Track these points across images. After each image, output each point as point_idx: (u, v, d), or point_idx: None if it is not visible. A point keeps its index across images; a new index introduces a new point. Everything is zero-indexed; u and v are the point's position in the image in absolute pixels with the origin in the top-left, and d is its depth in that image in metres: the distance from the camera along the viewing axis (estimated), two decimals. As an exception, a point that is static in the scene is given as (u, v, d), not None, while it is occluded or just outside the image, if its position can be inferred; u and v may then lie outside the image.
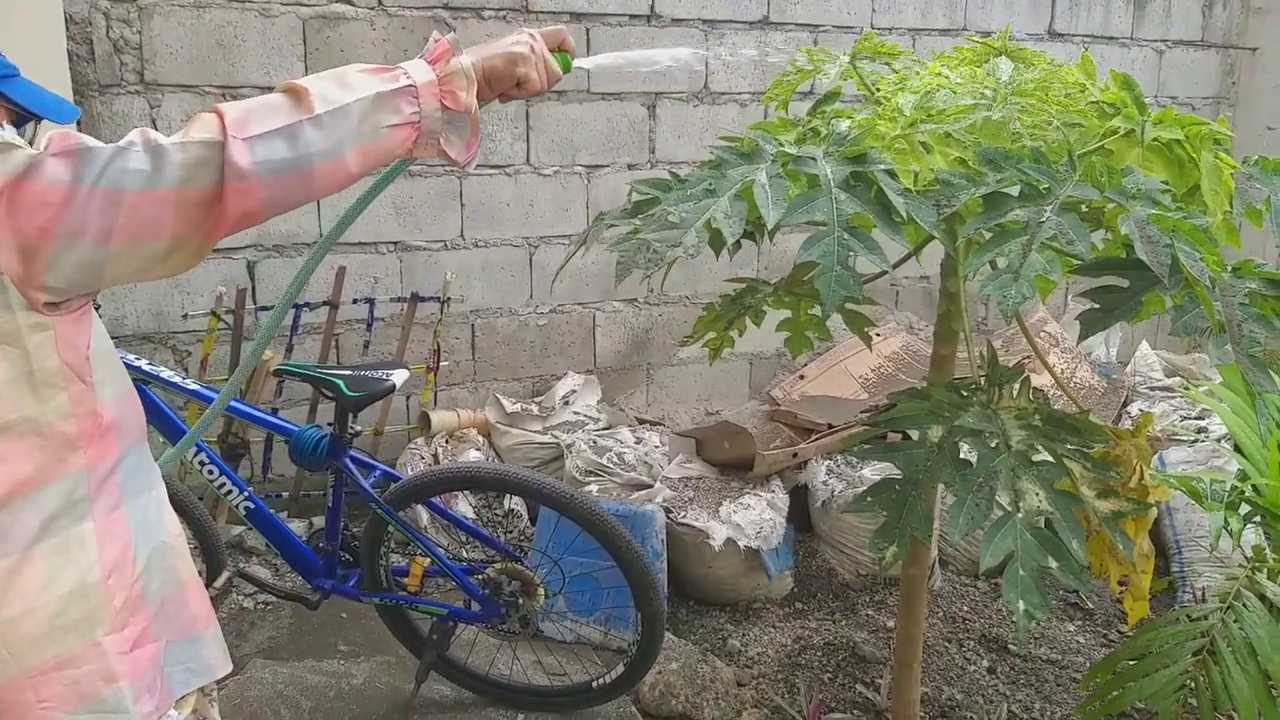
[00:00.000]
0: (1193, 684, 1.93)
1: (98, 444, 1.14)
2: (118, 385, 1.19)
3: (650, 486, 3.20)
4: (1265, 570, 2.07)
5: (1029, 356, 3.35)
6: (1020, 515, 1.42)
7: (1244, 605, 1.96)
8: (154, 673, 1.18)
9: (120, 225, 1.01)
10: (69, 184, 0.99)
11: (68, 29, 2.93)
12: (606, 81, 3.62)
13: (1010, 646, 2.89)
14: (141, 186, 1.02)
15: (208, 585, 2.49)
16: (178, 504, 2.51)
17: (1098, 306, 1.45)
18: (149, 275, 1.10)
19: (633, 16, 3.60)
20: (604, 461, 3.29)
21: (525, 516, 3.26)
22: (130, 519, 1.18)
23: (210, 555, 2.59)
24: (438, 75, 1.21)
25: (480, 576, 2.45)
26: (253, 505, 2.45)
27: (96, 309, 2.37)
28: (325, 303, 3.29)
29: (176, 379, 2.39)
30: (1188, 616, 2.05)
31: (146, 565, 1.19)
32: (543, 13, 3.48)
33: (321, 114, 1.10)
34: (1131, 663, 2.05)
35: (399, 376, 2.38)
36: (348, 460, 2.37)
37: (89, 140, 1.03)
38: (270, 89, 1.14)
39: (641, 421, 3.81)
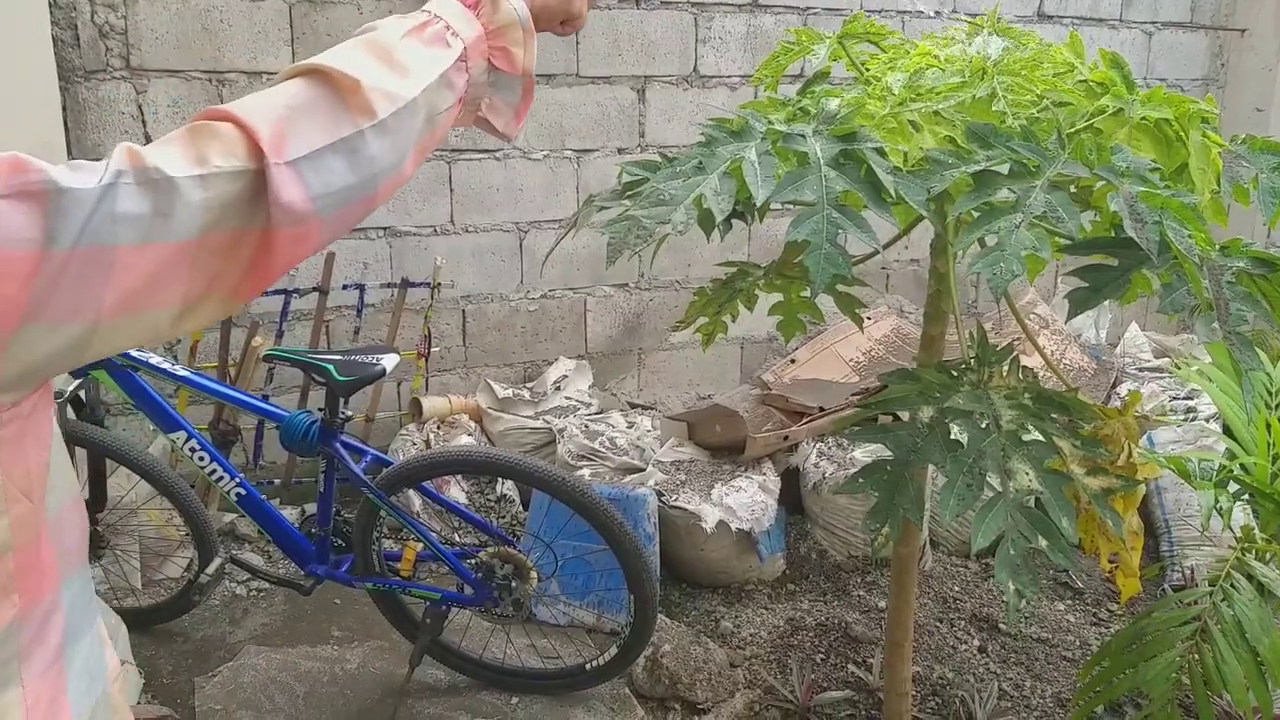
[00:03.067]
0: (1186, 666, 1.95)
1: (35, 579, 0.78)
2: (60, 492, 0.82)
3: (642, 470, 3.20)
4: (1254, 551, 2.08)
5: (1019, 338, 3.36)
6: (1011, 495, 1.43)
7: (1233, 587, 1.97)
8: None
9: (111, 297, 0.70)
10: (39, 246, 0.66)
11: (52, 14, 2.90)
12: (596, 65, 3.60)
13: (1000, 626, 2.91)
14: (141, 241, 0.70)
15: (199, 573, 2.51)
16: (169, 491, 2.54)
17: (1086, 285, 1.46)
18: (148, 345, 0.88)
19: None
20: (596, 446, 3.30)
21: (518, 501, 3.26)
22: (69, 673, 0.85)
23: (202, 543, 2.59)
24: (485, 28, 0.92)
25: (473, 561, 2.45)
26: (244, 492, 2.45)
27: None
28: (315, 289, 3.28)
29: (166, 365, 2.39)
30: (1179, 601, 2.06)
31: None
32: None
33: (386, 117, 0.81)
34: (1132, 647, 2.06)
35: (389, 361, 2.38)
36: (339, 445, 2.37)
37: (54, 171, 0.67)
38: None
39: (633, 406, 3.82)
